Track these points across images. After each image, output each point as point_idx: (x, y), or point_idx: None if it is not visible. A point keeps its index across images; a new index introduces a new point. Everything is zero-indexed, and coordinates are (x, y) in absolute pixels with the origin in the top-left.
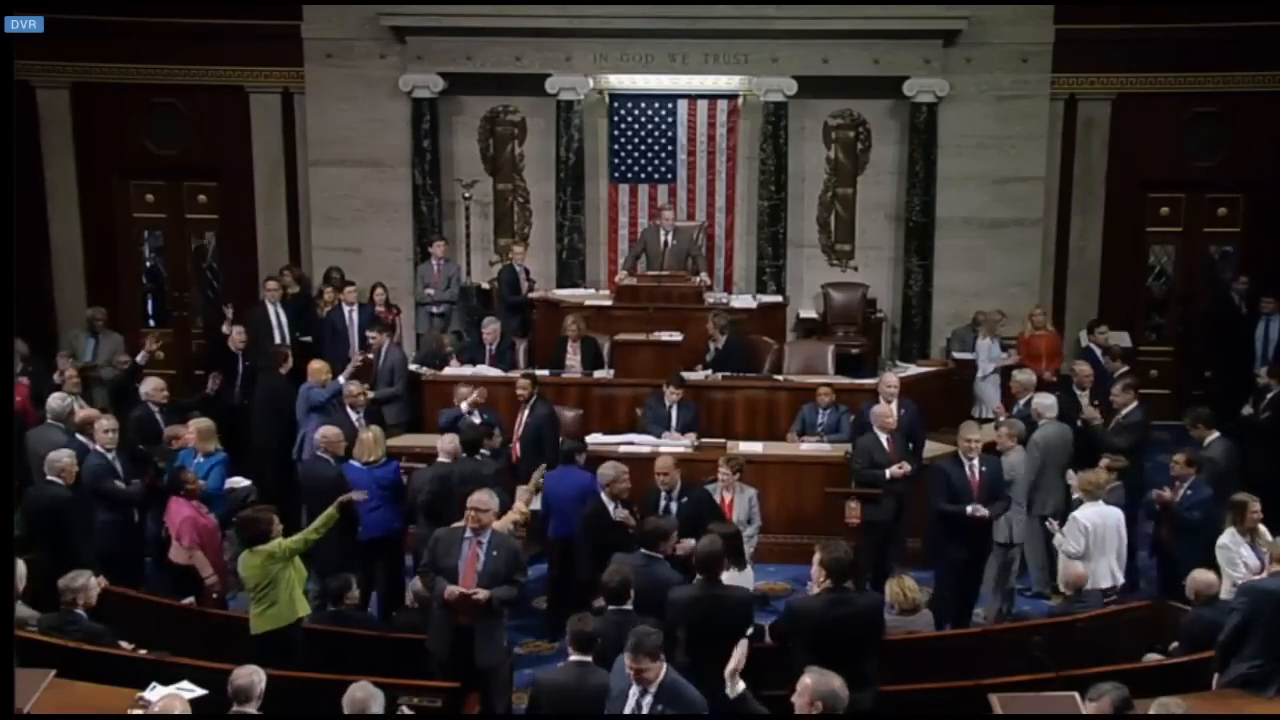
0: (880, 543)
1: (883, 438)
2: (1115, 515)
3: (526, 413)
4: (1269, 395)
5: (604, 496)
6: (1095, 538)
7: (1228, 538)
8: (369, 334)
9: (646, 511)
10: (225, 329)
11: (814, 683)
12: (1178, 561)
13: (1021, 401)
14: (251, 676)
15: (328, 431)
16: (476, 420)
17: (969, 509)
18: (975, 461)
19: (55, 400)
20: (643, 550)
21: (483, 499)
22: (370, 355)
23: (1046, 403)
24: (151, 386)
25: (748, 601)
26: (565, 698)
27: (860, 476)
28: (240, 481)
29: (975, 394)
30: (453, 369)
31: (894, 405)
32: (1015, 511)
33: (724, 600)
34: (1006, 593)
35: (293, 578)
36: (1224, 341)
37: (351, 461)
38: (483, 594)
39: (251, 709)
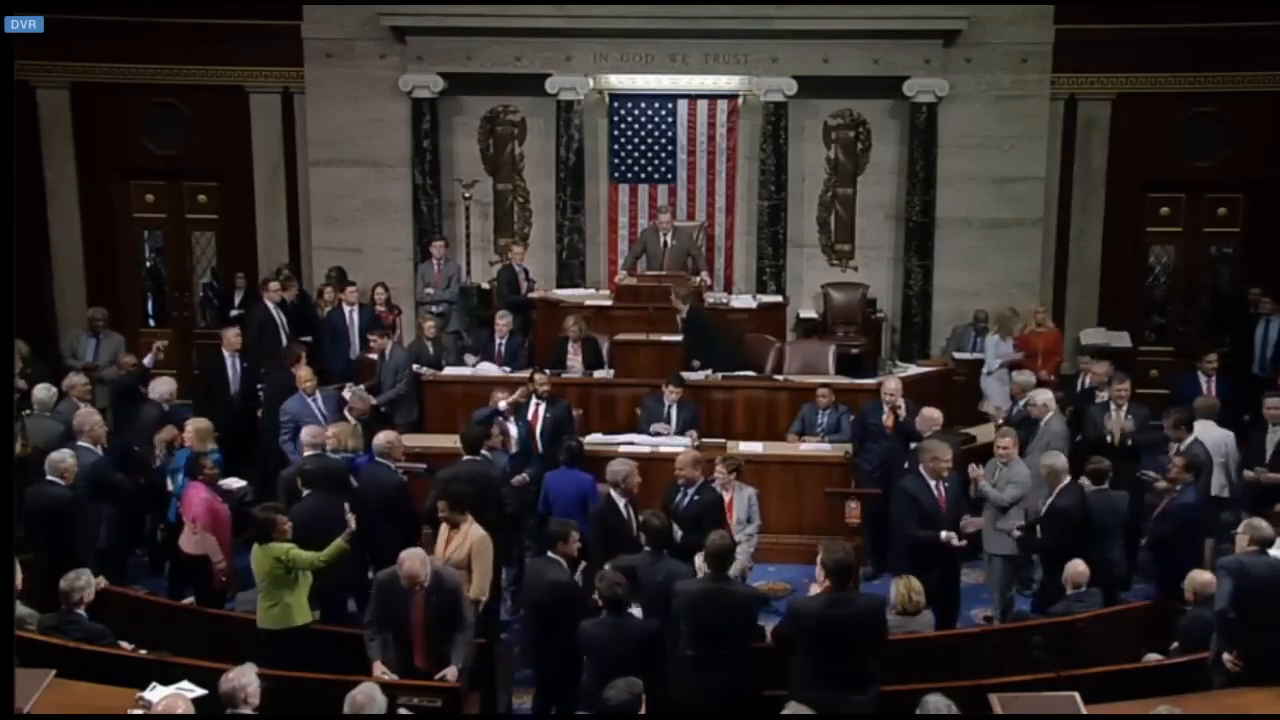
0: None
1: None
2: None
3: (543, 408)
4: None
5: (614, 494)
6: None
7: None
8: (370, 337)
9: (665, 505)
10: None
11: None
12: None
13: (1021, 402)
14: (240, 679)
15: (391, 437)
16: (512, 426)
17: (944, 535)
18: (943, 481)
19: (41, 391)
20: (646, 549)
21: (414, 570)
22: (373, 356)
23: (1043, 399)
24: (166, 389)
25: (753, 599)
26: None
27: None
28: (235, 482)
29: (981, 390)
30: (451, 370)
31: (902, 409)
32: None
33: (729, 595)
34: (1009, 600)
35: (300, 584)
36: (1235, 344)
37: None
38: (452, 675)
39: (246, 710)
